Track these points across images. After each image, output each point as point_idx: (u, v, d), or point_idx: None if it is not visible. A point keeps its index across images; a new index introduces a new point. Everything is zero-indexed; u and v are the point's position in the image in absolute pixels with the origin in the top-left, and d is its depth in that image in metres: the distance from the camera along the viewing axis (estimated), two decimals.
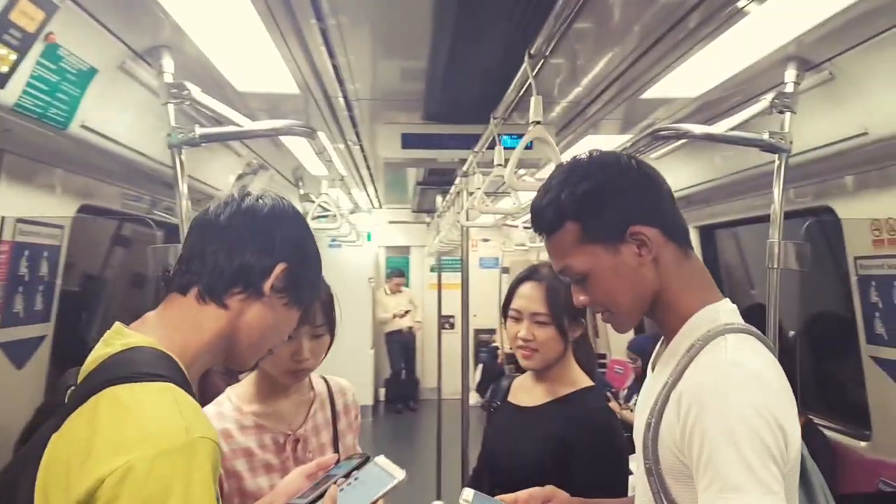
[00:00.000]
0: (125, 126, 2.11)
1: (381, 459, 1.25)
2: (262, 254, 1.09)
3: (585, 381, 1.85)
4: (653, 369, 1.20)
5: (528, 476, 1.56)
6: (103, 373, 0.93)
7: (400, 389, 9.07)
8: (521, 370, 1.94)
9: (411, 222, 9.01)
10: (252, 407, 1.57)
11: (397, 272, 9.14)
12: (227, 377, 2.04)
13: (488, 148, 2.65)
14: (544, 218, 1.14)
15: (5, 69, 1.41)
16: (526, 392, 1.92)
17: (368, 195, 6.61)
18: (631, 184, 1.12)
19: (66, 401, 0.96)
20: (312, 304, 1.35)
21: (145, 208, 2.91)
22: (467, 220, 2.95)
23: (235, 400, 1.59)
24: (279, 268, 1.08)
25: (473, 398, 8.02)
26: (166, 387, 0.90)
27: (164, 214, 3.02)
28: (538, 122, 1.53)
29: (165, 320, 1.05)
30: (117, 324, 1.02)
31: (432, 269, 9.40)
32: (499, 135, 2.15)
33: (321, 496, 1.20)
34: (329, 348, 1.61)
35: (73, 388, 0.97)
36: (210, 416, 1.55)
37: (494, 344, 7.77)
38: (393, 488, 1.18)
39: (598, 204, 1.10)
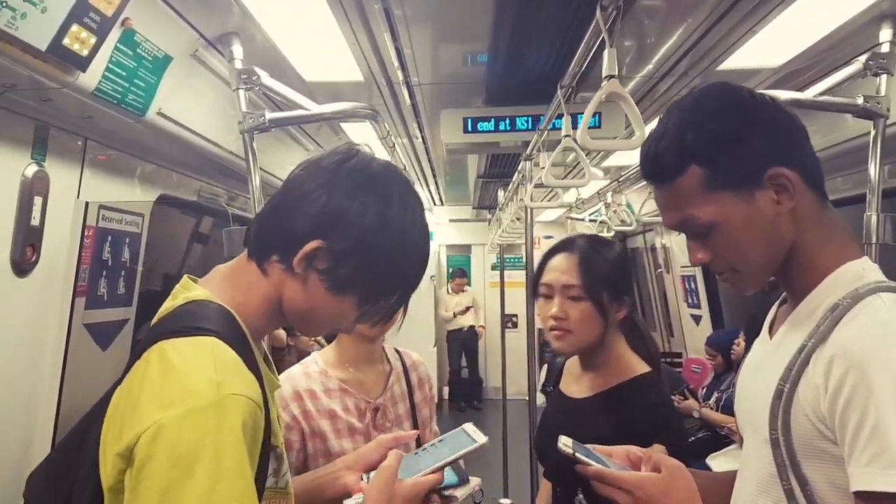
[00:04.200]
0: (198, 114, 2.15)
1: (467, 426, 1.26)
2: (301, 222, 0.95)
3: (641, 368, 1.60)
4: (771, 334, 1.07)
5: (577, 475, 1.25)
6: (161, 326, 0.93)
7: (463, 388, 9.04)
8: None
9: (472, 220, 8.99)
10: (337, 372, 1.64)
11: (459, 272, 9.14)
12: None
13: (552, 129, 2.59)
14: (662, 163, 0.98)
15: (86, 52, 1.44)
16: (574, 379, 1.72)
17: (430, 192, 6.61)
18: (770, 119, 0.97)
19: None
20: (384, 308, 1.03)
21: (218, 200, 2.96)
22: (532, 201, 2.89)
23: (322, 363, 1.66)
24: (311, 245, 0.94)
25: (539, 399, 7.95)
26: (208, 340, 0.87)
27: (236, 206, 3.08)
28: (613, 77, 1.42)
29: (228, 275, 1.02)
30: (186, 277, 1.01)
31: (493, 267, 9.34)
32: (566, 105, 2.07)
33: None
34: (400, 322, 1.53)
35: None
36: (297, 376, 1.62)
37: None
38: (473, 451, 1.17)
39: (732, 143, 0.95)
